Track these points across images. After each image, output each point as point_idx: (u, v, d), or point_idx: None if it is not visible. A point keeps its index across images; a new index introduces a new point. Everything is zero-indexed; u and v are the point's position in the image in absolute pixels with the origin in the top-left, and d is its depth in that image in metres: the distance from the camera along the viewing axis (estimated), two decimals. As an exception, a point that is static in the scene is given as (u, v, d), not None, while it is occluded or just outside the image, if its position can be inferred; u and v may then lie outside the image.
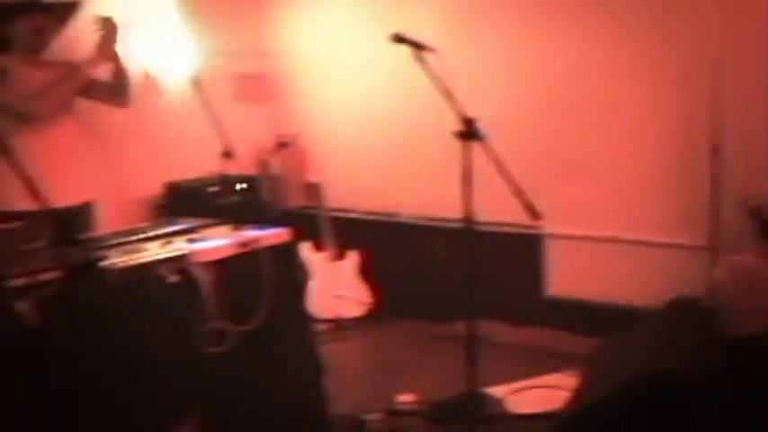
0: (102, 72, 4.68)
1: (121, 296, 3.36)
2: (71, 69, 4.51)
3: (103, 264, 3.34)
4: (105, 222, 4.52)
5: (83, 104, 4.68)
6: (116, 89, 4.75)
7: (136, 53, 5.41)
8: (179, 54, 5.66)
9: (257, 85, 6.91)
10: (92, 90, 4.70)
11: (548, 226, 5.49)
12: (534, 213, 3.95)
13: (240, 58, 6.61)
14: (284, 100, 6.99)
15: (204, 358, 3.63)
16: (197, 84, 4.34)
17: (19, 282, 3.07)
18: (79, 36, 4.67)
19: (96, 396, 3.13)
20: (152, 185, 5.89)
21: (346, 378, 4.80)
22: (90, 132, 4.74)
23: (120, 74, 4.71)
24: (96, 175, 4.70)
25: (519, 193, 3.96)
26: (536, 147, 5.63)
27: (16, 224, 3.36)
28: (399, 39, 4.23)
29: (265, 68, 6.97)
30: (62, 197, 4.13)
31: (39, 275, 3.11)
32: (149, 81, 5.56)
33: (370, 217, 6.56)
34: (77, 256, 2.96)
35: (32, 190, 2.93)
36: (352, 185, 6.60)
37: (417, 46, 4.21)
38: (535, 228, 5.51)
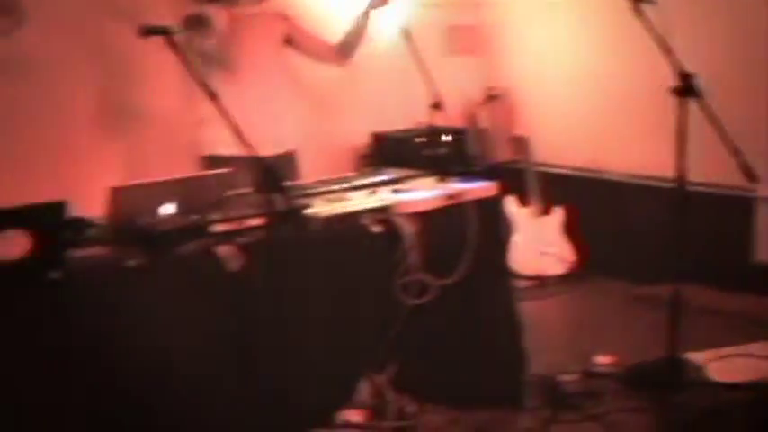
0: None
1: (324, 244, 3.41)
2: (275, 19, 4.52)
3: (307, 212, 3.39)
4: (311, 171, 4.56)
5: (291, 55, 4.72)
6: (344, 49, 4.72)
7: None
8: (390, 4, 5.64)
9: (469, 36, 6.82)
10: (303, 45, 4.70)
11: (761, 189, 5.23)
12: (751, 175, 3.76)
13: (453, 9, 6.56)
14: (495, 52, 6.89)
15: (403, 310, 3.63)
16: (407, 35, 4.30)
17: (223, 227, 3.15)
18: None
19: (294, 340, 3.17)
20: (359, 135, 5.94)
21: (543, 337, 4.71)
22: (297, 81, 4.78)
23: (355, 33, 4.68)
24: (302, 124, 4.75)
25: (735, 152, 3.77)
26: (755, 106, 5.35)
27: (222, 170, 3.44)
28: None
29: (478, 20, 6.88)
30: (268, 146, 4.22)
31: (243, 221, 3.19)
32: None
33: (577, 173, 6.41)
34: (282, 203, 2.99)
35: (239, 137, 2.97)
36: (560, 140, 6.46)
37: (636, -3, 4.04)
38: (748, 190, 5.25)
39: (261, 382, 3.18)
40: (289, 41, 4.66)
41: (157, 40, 3.30)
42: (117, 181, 3.15)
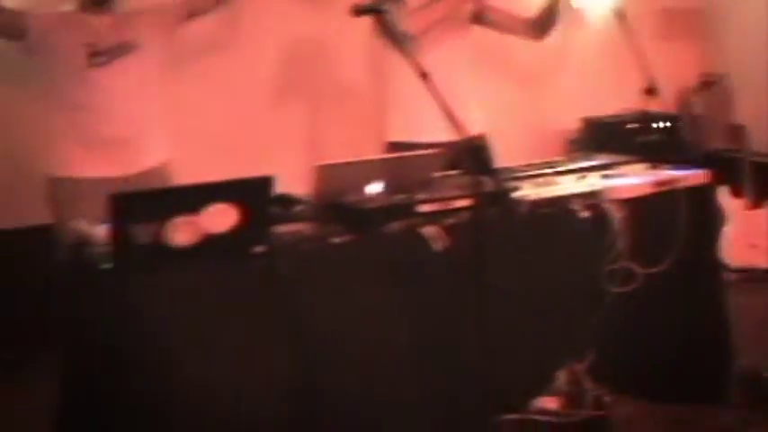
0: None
1: (531, 227, 3.37)
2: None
3: (516, 194, 3.35)
4: (520, 154, 4.51)
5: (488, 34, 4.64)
6: (539, 24, 4.58)
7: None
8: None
9: (684, 20, 6.61)
10: (494, 20, 4.57)
11: None
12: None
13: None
14: (713, 37, 6.65)
15: (608, 297, 3.55)
16: (621, 17, 4.18)
17: (429, 207, 3.16)
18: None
19: (496, 324, 3.13)
20: (568, 119, 5.84)
21: (751, 332, 4.51)
22: (498, 61, 4.72)
23: (550, 8, 4.54)
24: (506, 107, 4.69)
25: None
26: None
27: (430, 151, 3.43)
28: None
29: (693, 3, 6.65)
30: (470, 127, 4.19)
31: (449, 202, 3.19)
32: (573, 13, 5.43)
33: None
34: (490, 185, 2.96)
35: (450, 117, 2.94)
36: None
37: None
38: None
39: (459, 363, 3.16)
40: (477, 18, 4.52)
41: (348, 21, 3.33)
42: (301, 161, 3.18)
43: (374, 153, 4.30)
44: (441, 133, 3.20)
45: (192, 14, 4.16)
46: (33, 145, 4.15)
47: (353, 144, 4.81)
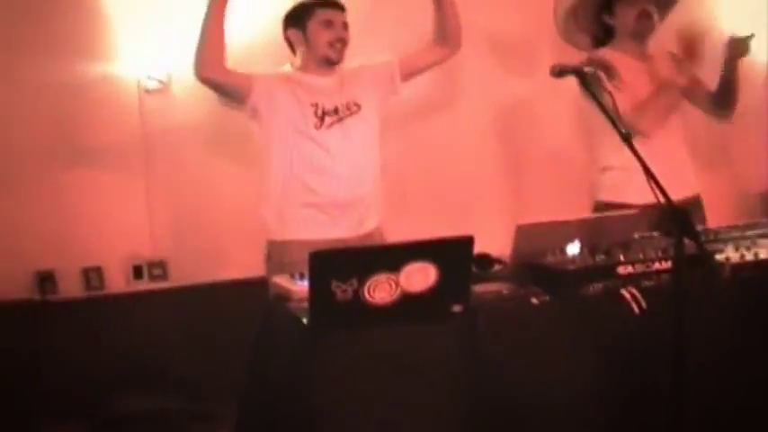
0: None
1: (733, 292, 3.27)
2: (667, 82, 4.24)
3: (717, 258, 3.27)
4: (718, 216, 4.40)
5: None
6: (719, 100, 4.47)
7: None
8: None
9: None
10: (695, 95, 4.47)
11: None
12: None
13: None
14: None
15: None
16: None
17: (629, 269, 3.13)
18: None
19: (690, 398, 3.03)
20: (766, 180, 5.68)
21: None
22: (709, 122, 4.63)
23: (725, 84, 4.40)
24: (705, 169, 4.57)
25: None
26: None
27: (632, 212, 3.39)
28: None
29: None
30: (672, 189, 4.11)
31: (649, 264, 3.15)
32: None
33: None
34: (690, 247, 2.90)
35: (651, 178, 2.92)
36: None
37: None
38: None
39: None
40: (688, 94, 4.43)
41: (556, 83, 3.34)
42: (507, 220, 3.19)
43: (582, 214, 4.28)
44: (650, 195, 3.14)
45: (407, 75, 4.20)
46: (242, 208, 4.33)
47: (560, 205, 4.81)
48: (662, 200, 2.90)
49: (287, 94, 3.92)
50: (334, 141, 3.90)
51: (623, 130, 3.05)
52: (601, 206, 4.26)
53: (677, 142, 4.37)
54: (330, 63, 3.98)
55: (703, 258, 3.01)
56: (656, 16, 4.33)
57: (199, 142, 4.88)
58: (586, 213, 4.26)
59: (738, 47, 4.29)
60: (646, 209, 3.48)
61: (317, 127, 3.89)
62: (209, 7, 3.75)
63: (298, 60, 4.05)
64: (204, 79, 3.84)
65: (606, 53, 4.33)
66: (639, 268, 3.13)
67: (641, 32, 4.33)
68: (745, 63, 4.31)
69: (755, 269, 3.32)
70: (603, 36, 4.44)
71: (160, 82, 4.81)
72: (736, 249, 3.39)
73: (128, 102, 4.78)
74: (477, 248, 2.92)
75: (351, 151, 3.93)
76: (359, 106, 3.98)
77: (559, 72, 3.27)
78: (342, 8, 4.01)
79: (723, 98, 4.45)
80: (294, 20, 4.01)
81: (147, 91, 4.80)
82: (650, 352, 3.06)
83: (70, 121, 4.71)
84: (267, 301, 3.35)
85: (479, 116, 5.31)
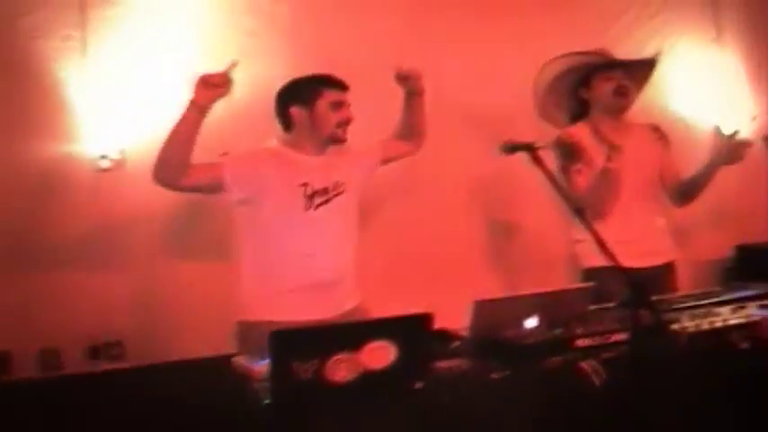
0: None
1: (690, 361, 3.29)
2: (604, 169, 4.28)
3: (674, 327, 3.30)
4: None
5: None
6: (685, 189, 4.58)
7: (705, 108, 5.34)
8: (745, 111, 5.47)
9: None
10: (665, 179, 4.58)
11: None
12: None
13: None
14: None
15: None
16: None
17: (587, 341, 3.14)
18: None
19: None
20: (722, 247, 5.74)
21: None
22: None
23: (698, 180, 4.50)
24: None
25: None
26: None
27: (584, 284, 3.42)
28: None
29: None
30: (647, 258, 4.23)
31: (607, 336, 3.16)
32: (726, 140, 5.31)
33: None
34: (647, 318, 2.93)
35: (604, 250, 2.96)
36: None
37: None
38: None
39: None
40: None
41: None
42: (492, 293, 3.21)
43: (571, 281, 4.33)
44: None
45: (384, 161, 4.25)
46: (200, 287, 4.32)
47: (549, 276, 4.87)
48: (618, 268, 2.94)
49: (274, 173, 3.85)
50: (320, 222, 3.87)
51: (576, 205, 3.08)
52: (588, 272, 4.26)
53: (653, 211, 4.45)
54: (337, 143, 3.96)
55: (660, 329, 3.05)
56: (633, 92, 4.43)
57: (156, 221, 4.86)
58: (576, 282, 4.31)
59: (734, 152, 4.37)
60: (607, 278, 3.51)
61: (306, 208, 3.85)
62: (186, 117, 3.61)
63: (291, 137, 3.98)
64: (166, 187, 3.76)
65: (579, 129, 4.40)
66: (597, 340, 3.14)
67: (617, 108, 4.43)
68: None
69: (712, 338, 3.35)
70: (580, 110, 4.51)
71: (115, 161, 4.81)
72: (692, 319, 3.42)
73: (83, 181, 4.77)
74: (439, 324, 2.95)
75: (335, 232, 3.93)
76: (345, 186, 3.97)
77: (510, 148, 3.30)
78: (347, 88, 3.96)
79: (690, 191, 4.56)
80: (299, 98, 3.93)
81: (103, 170, 4.79)
82: (612, 423, 3.07)
83: (25, 200, 4.69)
84: (231, 380, 3.32)
85: (461, 190, 5.36)
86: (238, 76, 3.58)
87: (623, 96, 4.38)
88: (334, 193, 3.93)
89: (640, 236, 4.28)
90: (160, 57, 4.80)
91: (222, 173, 3.77)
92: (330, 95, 3.89)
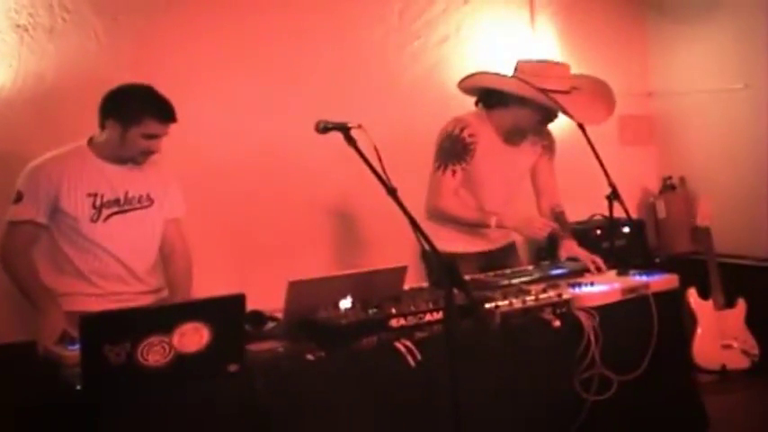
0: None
1: (504, 339, 3.36)
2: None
3: (486, 306, 3.36)
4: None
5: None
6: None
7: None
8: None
9: (642, 126, 6.77)
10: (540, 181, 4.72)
11: None
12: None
13: (625, 99, 6.48)
14: (670, 142, 6.78)
15: (584, 406, 3.55)
16: (582, 125, 4.27)
17: (401, 321, 3.16)
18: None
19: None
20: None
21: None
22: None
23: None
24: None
25: None
26: None
27: (398, 265, 3.43)
28: None
29: (650, 110, 6.83)
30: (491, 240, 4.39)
31: (421, 316, 3.20)
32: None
33: (762, 264, 6.17)
34: (461, 297, 2.96)
35: (418, 231, 2.98)
36: (742, 231, 6.24)
37: None
38: None
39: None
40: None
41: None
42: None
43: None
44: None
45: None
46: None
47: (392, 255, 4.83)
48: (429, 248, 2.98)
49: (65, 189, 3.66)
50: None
51: (389, 186, 3.08)
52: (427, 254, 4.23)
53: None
54: (134, 163, 3.77)
55: (473, 308, 3.09)
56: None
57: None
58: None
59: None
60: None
61: (94, 220, 3.68)
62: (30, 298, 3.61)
63: (101, 138, 3.73)
64: None
65: (480, 121, 4.35)
66: (412, 320, 3.16)
67: (528, 132, 4.46)
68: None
69: (524, 315, 3.43)
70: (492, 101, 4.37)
71: None
72: (505, 297, 3.49)
73: None
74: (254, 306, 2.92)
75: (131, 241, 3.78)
76: (151, 201, 3.84)
77: (323, 128, 3.28)
78: (171, 121, 3.71)
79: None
80: (118, 114, 3.66)
81: None
82: (427, 402, 3.12)
83: None
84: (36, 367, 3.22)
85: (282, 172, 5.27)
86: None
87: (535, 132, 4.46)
88: (139, 206, 3.81)
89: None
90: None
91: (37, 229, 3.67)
92: (149, 127, 3.65)
